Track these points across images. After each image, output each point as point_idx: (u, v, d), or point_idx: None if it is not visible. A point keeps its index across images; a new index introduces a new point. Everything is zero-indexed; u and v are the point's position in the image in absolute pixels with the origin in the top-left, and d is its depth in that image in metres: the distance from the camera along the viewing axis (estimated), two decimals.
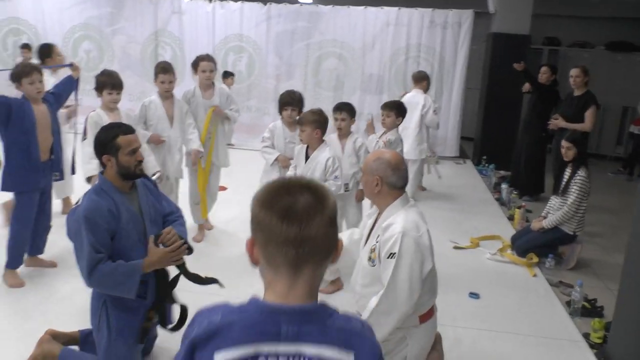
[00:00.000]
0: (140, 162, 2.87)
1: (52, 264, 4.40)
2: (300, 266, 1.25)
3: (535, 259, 4.94)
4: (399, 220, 2.70)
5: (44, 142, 4.14)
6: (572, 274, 4.85)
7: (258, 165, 4.86)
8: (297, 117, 4.45)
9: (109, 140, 2.80)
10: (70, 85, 4.59)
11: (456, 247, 5.31)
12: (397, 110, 5.06)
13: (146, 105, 4.75)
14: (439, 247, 5.17)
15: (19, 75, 4.02)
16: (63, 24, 10.18)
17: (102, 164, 2.85)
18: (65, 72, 4.91)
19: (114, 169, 2.80)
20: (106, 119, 4.24)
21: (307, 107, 9.35)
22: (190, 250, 2.95)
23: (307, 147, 4.20)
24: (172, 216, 3.05)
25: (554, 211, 5.06)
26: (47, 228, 4.40)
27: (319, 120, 4.10)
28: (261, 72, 9.88)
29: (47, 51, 5.86)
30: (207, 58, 5.00)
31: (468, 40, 9.04)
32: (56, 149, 4.29)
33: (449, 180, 7.72)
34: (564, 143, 5.02)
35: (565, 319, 4.07)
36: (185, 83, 9.89)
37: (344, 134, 4.42)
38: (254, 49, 9.83)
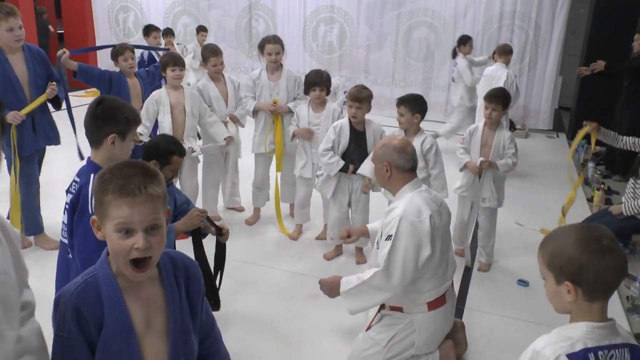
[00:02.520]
0: (171, 179, 3.15)
1: None
2: None
3: None
4: (401, 204, 2.75)
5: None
6: None
7: None
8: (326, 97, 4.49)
9: (167, 153, 3.06)
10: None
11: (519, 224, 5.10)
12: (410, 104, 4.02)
13: (200, 89, 4.87)
14: (501, 226, 5.05)
15: (115, 53, 4.74)
16: (165, 0, 10.68)
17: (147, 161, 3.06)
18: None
19: None
20: (165, 98, 4.51)
21: (398, 79, 9.52)
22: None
23: (351, 124, 4.12)
24: (184, 205, 3.20)
25: (628, 197, 4.68)
26: None
27: (372, 95, 4.13)
28: (352, 43, 9.85)
29: (146, 31, 6.48)
30: (273, 40, 4.95)
31: (567, 4, 8.42)
32: None
33: (535, 155, 7.33)
34: None
35: (621, 315, 3.81)
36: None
37: (407, 132, 4.02)
38: (345, 20, 9.78)
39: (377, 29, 9.56)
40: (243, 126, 5.07)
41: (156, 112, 4.52)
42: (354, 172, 4.15)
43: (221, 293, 3.16)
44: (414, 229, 2.66)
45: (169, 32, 8.43)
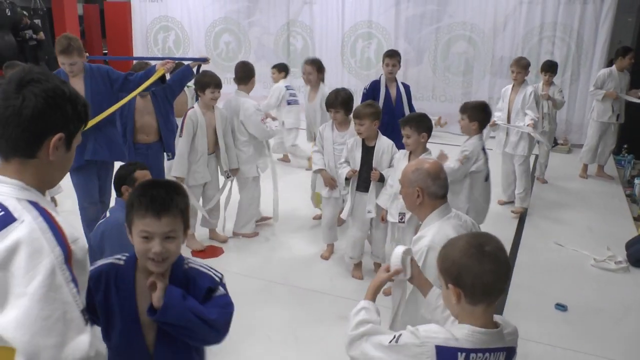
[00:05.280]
0: None
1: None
2: None
3: None
4: (429, 233, 2.61)
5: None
6: None
7: None
8: (346, 117, 4.51)
9: (129, 174, 3.18)
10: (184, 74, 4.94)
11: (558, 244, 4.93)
12: (470, 112, 4.21)
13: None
14: (540, 245, 4.91)
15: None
16: (206, 19, 10.86)
17: (120, 194, 3.22)
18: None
19: None
20: (201, 118, 4.61)
21: (438, 93, 9.41)
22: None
23: (363, 140, 4.19)
24: None
25: None
26: None
27: (377, 112, 4.12)
28: None
29: None
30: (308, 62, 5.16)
31: (612, 14, 8.17)
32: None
33: (577, 171, 7.09)
34: None
35: None
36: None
37: (414, 153, 3.86)
38: (383, 35, 9.74)
39: (416, 44, 9.48)
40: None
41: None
42: (367, 178, 4.16)
43: (246, 309, 3.12)
44: None
45: None
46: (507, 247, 4.81)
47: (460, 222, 2.69)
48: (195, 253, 4.77)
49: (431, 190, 2.65)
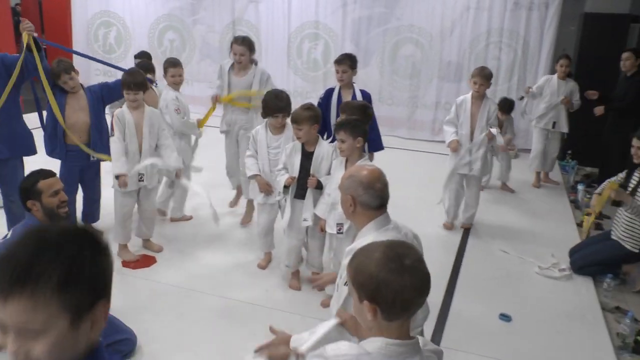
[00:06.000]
0: (64, 202, 3.02)
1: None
2: None
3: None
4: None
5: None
6: (637, 299, 4.23)
7: None
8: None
9: (31, 186, 2.95)
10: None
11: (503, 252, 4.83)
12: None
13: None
14: (484, 252, 4.82)
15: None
16: (149, 15, 10.45)
17: (27, 209, 2.99)
18: None
19: (40, 212, 2.97)
20: (129, 117, 4.31)
21: (385, 96, 9.30)
22: None
23: (303, 145, 3.99)
24: None
25: (617, 224, 4.43)
26: None
27: (316, 115, 3.93)
28: None
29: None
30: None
31: (556, 22, 8.21)
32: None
33: (524, 177, 7.05)
34: (634, 142, 4.37)
35: (610, 354, 3.53)
36: (266, 69, 9.93)
37: (350, 159, 3.67)
38: (330, 36, 9.56)
39: (363, 46, 9.32)
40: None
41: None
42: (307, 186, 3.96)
43: (175, 322, 2.88)
44: None
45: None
46: (452, 255, 4.76)
47: (399, 235, 2.48)
48: (126, 263, 4.47)
49: (362, 200, 2.45)
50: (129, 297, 3.90)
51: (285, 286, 4.23)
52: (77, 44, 10.75)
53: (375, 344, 1.54)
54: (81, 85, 4.72)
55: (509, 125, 6.94)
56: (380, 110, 9.00)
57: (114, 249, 4.50)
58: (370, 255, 1.56)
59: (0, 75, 4.07)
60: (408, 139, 9.05)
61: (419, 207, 5.71)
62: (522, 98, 7.20)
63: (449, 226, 5.43)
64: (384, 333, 1.55)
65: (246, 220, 5.30)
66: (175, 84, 5.08)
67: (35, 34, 4.05)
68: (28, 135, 4.26)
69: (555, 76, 6.69)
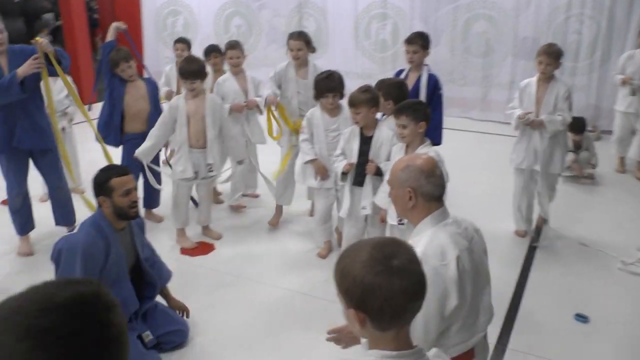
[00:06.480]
0: (135, 202, 2.97)
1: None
2: None
3: None
4: (421, 243, 2.14)
5: None
6: None
7: None
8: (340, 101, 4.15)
9: (103, 182, 2.91)
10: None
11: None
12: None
13: (220, 84, 4.92)
14: (557, 245, 4.45)
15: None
16: (215, 2, 10.45)
17: (99, 204, 2.96)
18: None
19: (109, 209, 2.93)
20: (183, 106, 4.33)
21: (457, 76, 8.88)
22: None
23: (361, 129, 3.82)
24: (148, 261, 3.25)
25: None
26: None
27: (374, 97, 3.73)
28: None
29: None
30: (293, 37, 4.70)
31: None
32: None
33: (607, 161, 6.50)
34: None
35: None
36: (329, 54, 9.75)
37: (410, 145, 3.42)
38: (398, 16, 9.23)
39: (433, 24, 8.92)
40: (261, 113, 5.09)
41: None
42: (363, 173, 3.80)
43: (229, 313, 2.80)
44: (437, 276, 2.08)
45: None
46: (523, 247, 4.41)
47: (458, 230, 2.23)
48: (185, 250, 4.45)
49: (425, 190, 2.19)
50: (184, 285, 3.82)
51: None
52: (147, 33, 10.93)
53: (369, 358, 1.39)
54: (139, 75, 4.80)
55: (588, 143, 6.13)
56: (451, 91, 8.66)
57: (172, 234, 4.54)
58: (356, 257, 1.39)
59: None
60: (481, 120, 8.63)
61: (491, 195, 5.39)
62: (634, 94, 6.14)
63: (522, 233, 4.71)
64: (379, 344, 1.40)
65: (274, 222, 4.93)
66: (234, 67, 4.94)
67: (52, 49, 3.99)
68: (48, 127, 4.26)
69: (637, 51, 6.08)
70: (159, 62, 10.63)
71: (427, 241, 2.15)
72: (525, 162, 4.52)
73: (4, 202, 4.76)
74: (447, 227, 2.19)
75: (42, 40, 3.90)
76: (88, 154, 5.61)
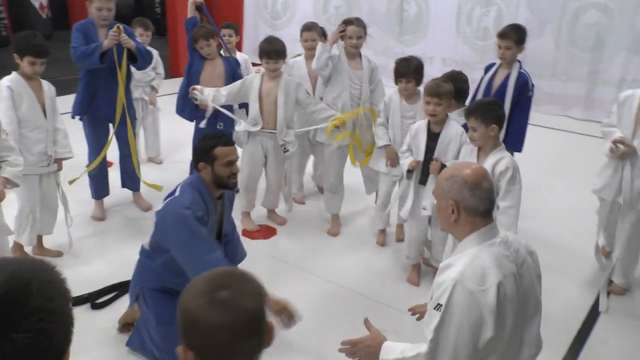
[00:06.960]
0: (235, 174, 2.97)
1: None
2: None
3: None
4: (460, 262, 1.95)
5: None
6: None
7: None
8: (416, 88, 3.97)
9: (208, 150, 2.91)
10: None
11: None
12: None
13: (290, 66, 4.78)
14: None
15: None
16: None
17: (197, 169, 2.97)
18: None
19: (209, 176, 2.93)
20: (256, 85, 4.33)
21: (559, 71, 8.28)
22: None
23: (429, 126, 3.62)
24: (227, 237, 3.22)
25: None
26: None
27: (453, 90, 3.54)
28: None
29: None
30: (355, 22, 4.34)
31: None
32: None
33: None
34: None
35: None
36: (427, 39, 9.41)
37: (482, 149, 3.22)
38: (504, 2, 8.71)
39: (539, 12, 8.35)
40: None
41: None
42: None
43: None
44: (473, 301, 1.86)
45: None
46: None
47: (506, 252, 1.99)
48: (246, 232, 4.44)
49: (468, 204, 1.98)
50: (238, 266, 3.81)
51: (403, 279, 3.90)
52: (248, 11, 11.04)
53: None
54: (220, 54, 4.85)
55: None
56: (552, 87, 8.17)
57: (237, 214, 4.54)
58: (191, 287, 1.28)
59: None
60: (583, 120, 8.00)
61: (580, 206, 4.82)
62: None
63: (606, 254, 4.15)
64: None
65: (333, 231, 4.61)
66: (308, 49, 4.71)
67: (132, 44, 4.23)
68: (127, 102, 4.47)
69: None
70: (258, 40, 10.69)
71: (467, 261, 1.95)
72: (605, 192, 3.76)
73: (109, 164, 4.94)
74: (494, 247, 1.98)
75: (122, 28, 4.16)
76: (169, 125, 5.75)
